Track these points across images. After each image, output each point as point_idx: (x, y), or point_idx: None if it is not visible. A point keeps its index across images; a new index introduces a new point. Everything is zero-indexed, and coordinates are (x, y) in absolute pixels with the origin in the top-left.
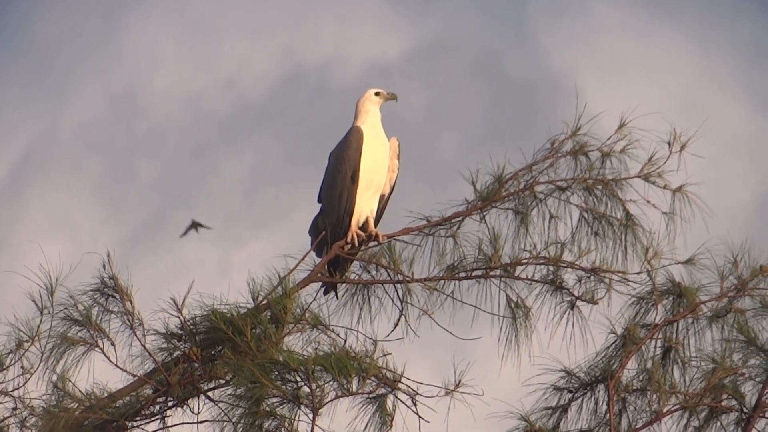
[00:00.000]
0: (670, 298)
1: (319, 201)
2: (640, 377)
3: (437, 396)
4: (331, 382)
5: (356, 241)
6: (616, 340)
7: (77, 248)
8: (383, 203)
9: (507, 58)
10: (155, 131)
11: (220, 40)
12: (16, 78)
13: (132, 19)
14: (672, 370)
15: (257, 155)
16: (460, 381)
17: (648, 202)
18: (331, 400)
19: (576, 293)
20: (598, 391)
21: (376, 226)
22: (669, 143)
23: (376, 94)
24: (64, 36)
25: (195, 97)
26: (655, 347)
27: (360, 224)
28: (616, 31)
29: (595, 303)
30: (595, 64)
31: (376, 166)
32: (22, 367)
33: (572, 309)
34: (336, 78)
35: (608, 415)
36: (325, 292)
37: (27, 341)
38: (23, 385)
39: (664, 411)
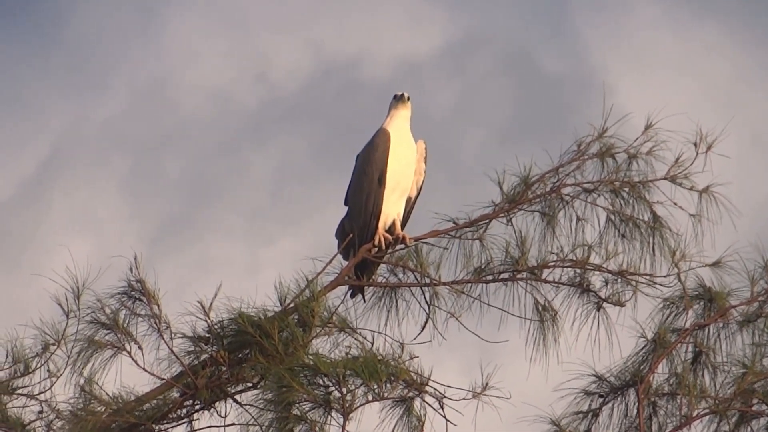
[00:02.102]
0: (701, 303)
1: (346, 204)
2: (671, 381)
3: (464, 399)
4: (361, 387)
5: (383, 244)
6: (646, 345)
7: (103, 245)
8: (410, 206)
9: (540, 53)
10: (184, 126)
11: (251, 33)
12: (50, 71)
13: (166, 14)
14: (702, 374)
15: (285, 151)
16: (487, 384)
17: (675, 204)
18: (361, 405)
19: (603, 296)
20: (629, 396)
21: (402, 228)
22: (695, 144)
23: (393, 97)
24: (96, 30)
25: (225, 91)
26: (686, 351)
27: (387, 227)
28: (652, 27)
29: (622, 305)
30: (631, 60)
31: (403, 169)
32: (48, 371)
33: (598, 311)
34: (366, 74)
35: (638, 419)
36: (352, 295)
37: (53, 344)
38: (50, 388)
39: (694, 415)
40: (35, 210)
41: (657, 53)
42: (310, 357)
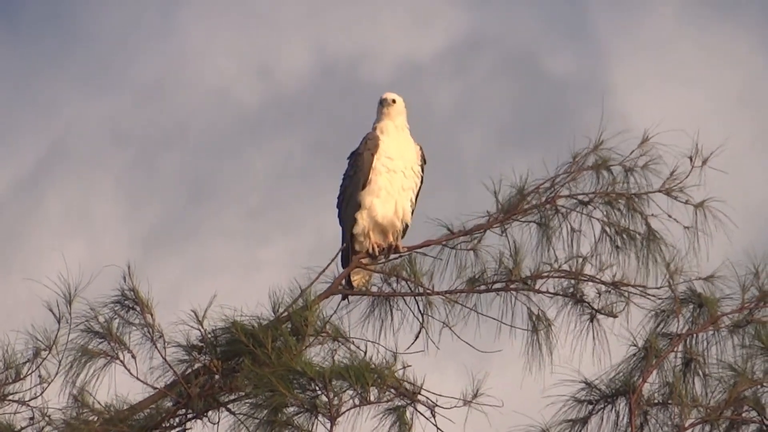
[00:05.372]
0: (690, 307)
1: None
2: (662, 390)
3: (456, 407)
4: (348, 391)
5: (376, 252)
6: (637, 352)
7: (98, 245)
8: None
9: (545, 55)
10: (183, 124)
11: (254, 31)
12: (52, 70)
13: (169, 11)
14: (693, 382)
15: (285, 151)
16: (477, 391)
17: (669, 216)
18: (349, 410)
19: (596, 307)
20: (620, 404)
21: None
22: (690, 158)
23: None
24: (100, 27)
25: (225, 89)
26: (676, 358)
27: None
28: (668, 32)
29: (615, 316)
30: (642, 64)
31: (395, 165)
32: (40, 377)
33: (592, 322)
34: (368, 74)
35: (630, 429)
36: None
37: (44, 350)
38: (41, 394)
39: (686, 425)
40: (29, 209)
41: (671, 59)
42: (300, 363)
